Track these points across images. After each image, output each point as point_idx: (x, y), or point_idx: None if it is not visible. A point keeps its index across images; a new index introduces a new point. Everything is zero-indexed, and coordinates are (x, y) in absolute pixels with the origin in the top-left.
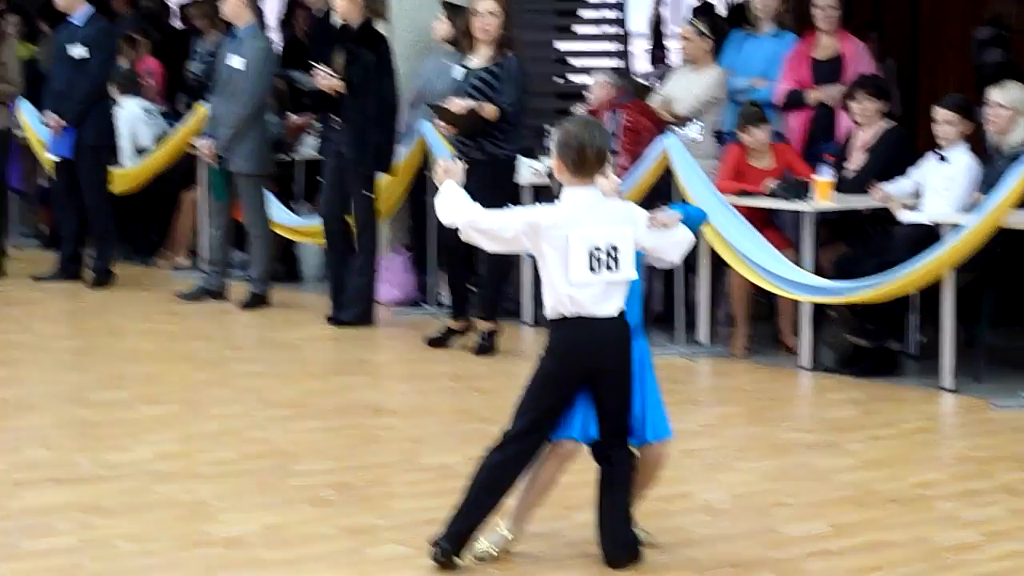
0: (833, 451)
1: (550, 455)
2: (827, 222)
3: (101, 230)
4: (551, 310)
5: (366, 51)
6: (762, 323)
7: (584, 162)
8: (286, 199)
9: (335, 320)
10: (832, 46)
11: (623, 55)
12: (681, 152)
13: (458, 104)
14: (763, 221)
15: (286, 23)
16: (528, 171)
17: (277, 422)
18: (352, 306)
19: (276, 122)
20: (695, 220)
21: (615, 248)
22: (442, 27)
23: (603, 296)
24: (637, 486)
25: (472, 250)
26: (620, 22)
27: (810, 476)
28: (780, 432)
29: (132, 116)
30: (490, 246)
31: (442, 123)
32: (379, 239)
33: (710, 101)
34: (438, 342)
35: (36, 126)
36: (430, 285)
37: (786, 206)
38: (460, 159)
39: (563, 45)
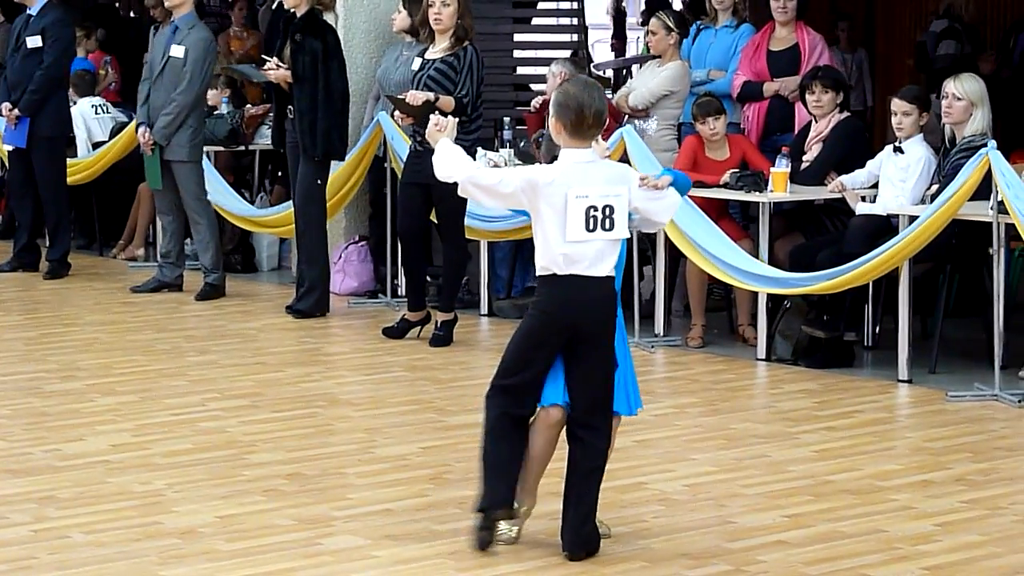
0: (788, 442)
1: (539, 424)
2: (783, 213)
3: (56, 220)
4: (543, 268)
5: (311, 40)
6: (718, 314)
7: (582, 123)
8: (242, 189)
9: (293, 310)
10: (788, 38)
11: (581, 46)
12: (636, 142)
13: (414, 95)
14: (719, 212)
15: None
16: (485, 162)
17: (232, 413)
18: (307, 296)
19: (233, 112)
20: (683, 185)
21: (610, 208)
22: (401, 18)
23: (597, 256)
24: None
25: (429, 240)
26: (578, 13)
27: (765, 467)
28: (735, 423)
29: (82, 113)
30: (489, 202)
31: (399, 113)
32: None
33: (666, 94)
34: (395, 332)
35: None
36: (387, 275)
37: (742, 197)
38: (417, 149)
39: (520, 36)
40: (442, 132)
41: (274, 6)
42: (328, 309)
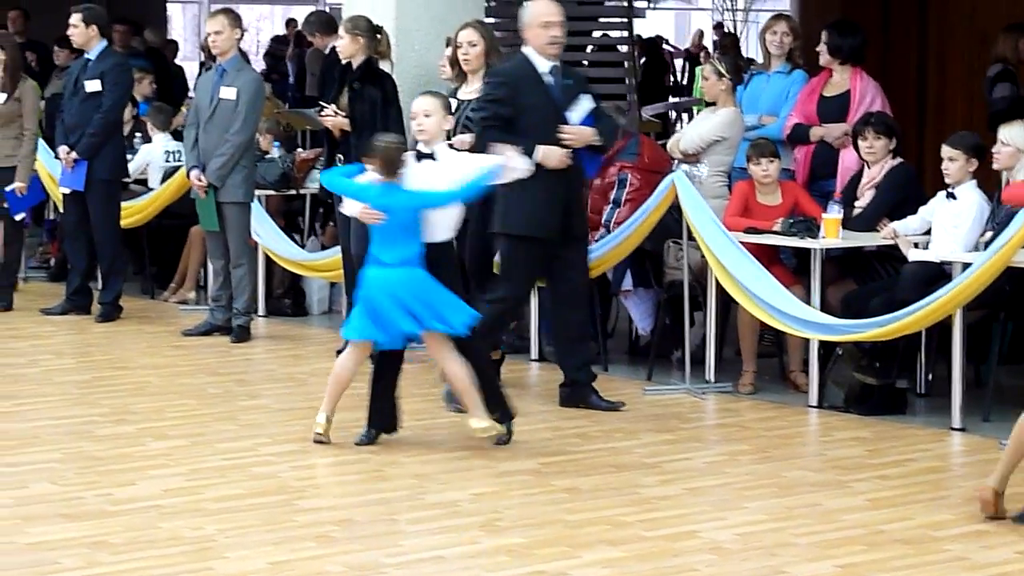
0: (841, 490)
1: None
2: (835, 259)
3: (110, 264)
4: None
5: (370, 88)
6: (769, 360)
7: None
8: (292, 233)
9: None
10: (842, 83)
11: (631, 90)
12: (688, 188)
13: (460, 141)
14: (771, 258)
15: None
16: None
17: (283, 457)
18: None
19: (284, 156)
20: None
21: None
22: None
23: None
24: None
25: (481, 284)
26: (628, 56)
27: (817, 516)
28: (787, 470)
29: (153, 153)
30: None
31: None
32: None
33: (717, 140)
34: None
35: (47, 159)
36: None
37: (794, 243)
38: None
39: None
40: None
41: (327, 52)
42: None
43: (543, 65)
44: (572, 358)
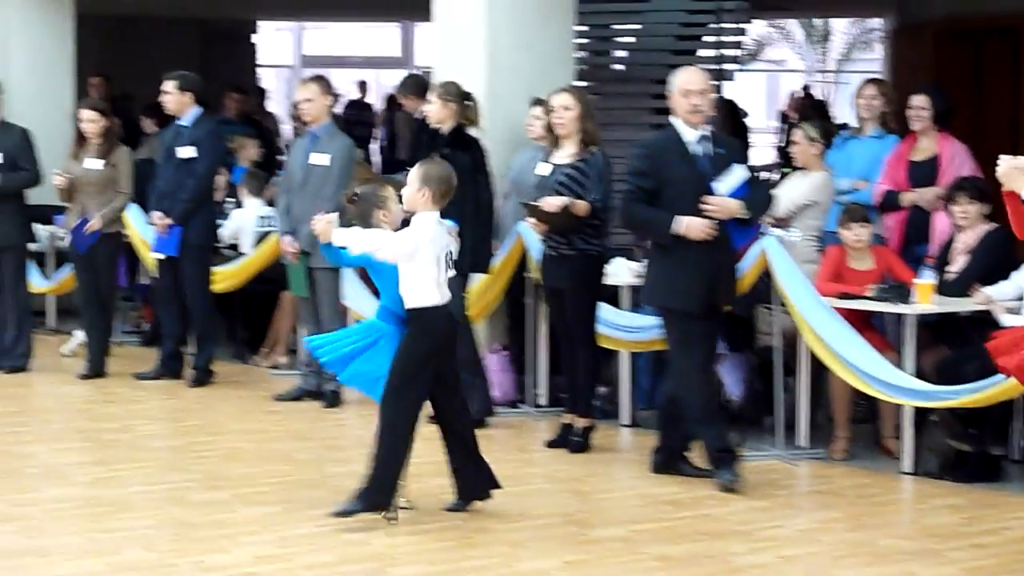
0: (935, 559)
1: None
2: (928, 325)
3: (202, 328)
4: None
5: (460, 154)
6: (863, 426)
7: (445, 193)
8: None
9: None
10: (930, 148)
11: None
12: (779, 252)
13: (551, 203)
14: (863, 323)
15: (387, 121)
16: (626, 271)
17: (374, 524)
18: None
19: None
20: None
21: (451, 253)
22: (539, 125)
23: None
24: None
25: (571, 349)
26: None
27: None
28: (881, 539)
29: (246, 218)
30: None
31: (534, 220)
32: (475, 338)
33: (808, 204)
34: (557, 442)
35: (139, 225)
36: (528, 385)
37: (887, 308)
38: (551, 255)
39: None
40: (331, 224)
41: (418, 117)
42: (492, 413)
43: (690, 134)
44: (676, 427)
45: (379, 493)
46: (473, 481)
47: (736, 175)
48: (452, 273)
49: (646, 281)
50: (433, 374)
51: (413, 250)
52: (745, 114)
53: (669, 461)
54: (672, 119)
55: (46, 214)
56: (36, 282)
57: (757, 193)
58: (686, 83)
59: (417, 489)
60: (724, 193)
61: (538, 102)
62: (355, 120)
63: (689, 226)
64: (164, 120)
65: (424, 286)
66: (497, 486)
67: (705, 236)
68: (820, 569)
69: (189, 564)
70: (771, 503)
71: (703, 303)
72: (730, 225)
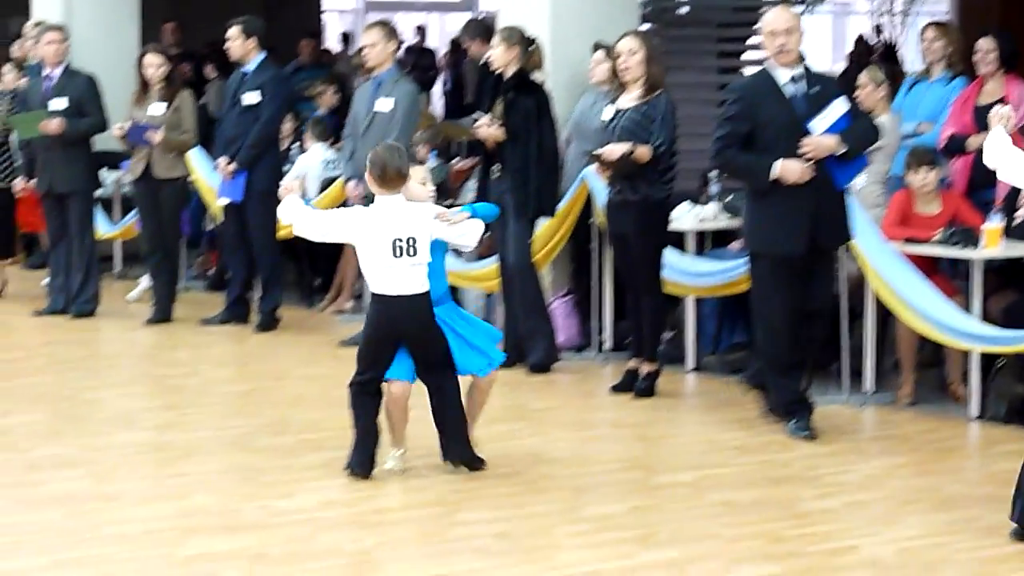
0: (1002, 505)
1: (388, 393)
2: (996, 270)
3: (268, 274)
4: (372, 288)
5: (524, 98)
6: (929, 371)
7: (385, 177)
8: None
9: (531, 366)
10: (997, 91)
11: None
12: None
13: (613, 151)
14: (930, 268)
15: (452, 65)
16: (692, 216)
17: (439, 470)
18: (536, 349)
19: (440, 166)
20: (486, 214)
21: (413, 239)
22: (601, 70)
23: (405, 279)
24: (469, 410)
25: (636, 295)
26: None
27: (978, 531)
28: (947, 484)
29: (311, 163)
30: (319, 237)
31: (597, 166)
32: (540, 284)
33: (874, 148)
34: (622, 387)
35: (206, 171)
36: (593, 330)
37: (955, 253)
38: (614, 201)
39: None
40: (291, 191)
41: (481, 62)
42: (558, 358)
43: (783, 75)
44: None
45: (357, 456)
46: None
47: (834, 111)
48: (417, 261)
49: (745, 226)
50: (388, 357)
51: (321, 231)
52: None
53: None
54: (766, 61)
55: (112, 160)
56: (102, 228)
57: (858, 126)
58: (770, 23)
59: (478, 435)
60: (821, 131)
61: (600, 47)
62: (413, 65)
63: (784, 169)
64: (224, 66)
65: (369, 273)
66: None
67: (802, 178)
68: (886, 515)
69: (255, 509)
70: (837, 449)
71: (805, 246)
72: (830, 163)
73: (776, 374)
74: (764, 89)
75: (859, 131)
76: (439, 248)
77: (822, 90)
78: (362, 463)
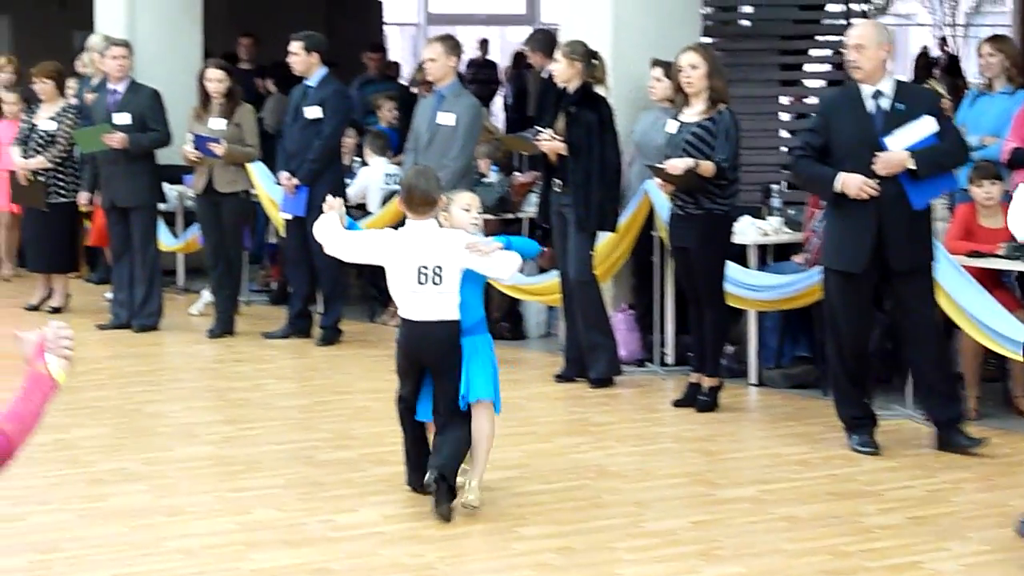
0: None
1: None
2: None
3: (330, 288)
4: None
5: (587, 112)
6: (993, 385)
7: (411, 201)
8: None
9: (565, 378)
10: None
11: None
12: None
13: (676, 165)
14: (994, 282)
15: (514, 78)
16: (754, 230)
17: (502, 484)
18: (597, 363)
19: (502, 180)
20: (524, 249)
21: (439, 267)
22: (662, 87)
23: (429, 305)
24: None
25: (699, 308)
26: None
27: None
28: (1013, 499)
29: (372, 177)
30: (351, 258)
31: (659, 181)
32: (602, 298)
33: None
34: (684, 401)
35: (268, 185)
36: (655, 344)
37: (1018, 267)
38: (679, 214)
39: (788, 98)
40: (332, 207)
41: (544, 76)
42: (620, 372)
43: (867, 89)
44: (931, 400)
45: (407, 472)
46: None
47: (919, 129)
48: (444, 290)
49: (823, 237)
50: (416, 380)
51: (351, 251)
52: None
53: (945, 438)
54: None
55: (175, 174)
56: (165, 241)
57: (941, 146)
58: (846, 37)
59: (540, 449)
60: (898, 148)
61: (658, 64)
62: (473, 79)
63: (846, 183)
64: (281, 81)
65: (395, 296)
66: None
67: (862, 194)
68: (950, 530)
69: (318, 523)
70: (900, 463)
71: (867, 264)
72: (906, 182)
73: (840, 388)
74: (845, 102)
75: (939, 151)
76: (474, 278)
77: (908, 107)
78: (409, 479)
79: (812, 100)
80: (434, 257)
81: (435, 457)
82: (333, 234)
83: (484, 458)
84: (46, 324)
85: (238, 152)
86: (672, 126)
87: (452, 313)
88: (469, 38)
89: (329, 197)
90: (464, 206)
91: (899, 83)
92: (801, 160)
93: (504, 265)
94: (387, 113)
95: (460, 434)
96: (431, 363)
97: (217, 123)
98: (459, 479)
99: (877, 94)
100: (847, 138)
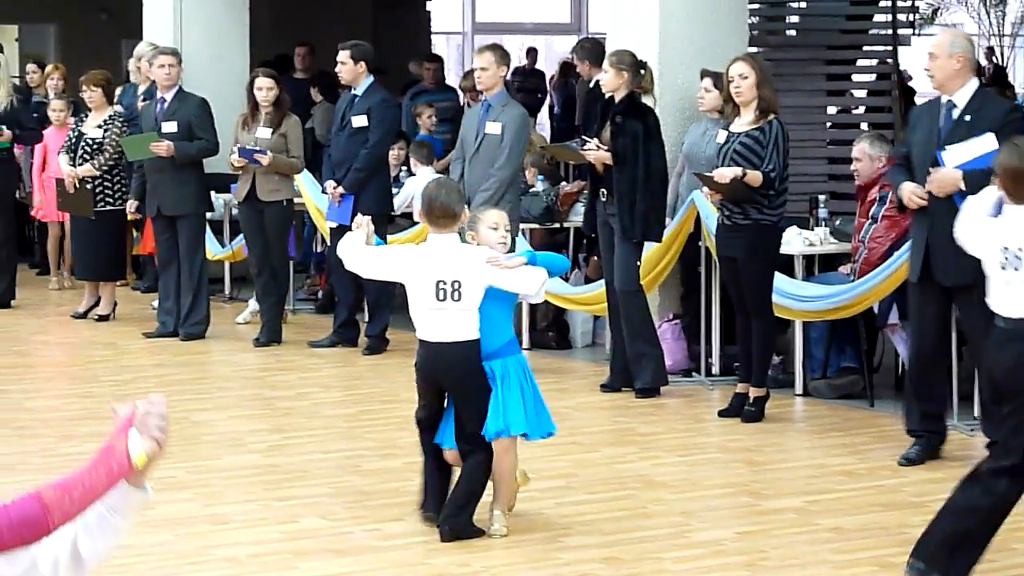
0: None
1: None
2: None
3: (376, 297)
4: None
5: (633, 122)
6: None
7: (432, 213)
8: None
9: (610, 388)
10: None
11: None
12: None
13: (723, 174)
14: None
15: (561, 87)
16: (800, 240)
17: (548, 494)
18: (643, 372)
19: (548, 190)
20: (552, 265)
21: (458, 283)
22: (711, 98)
23: (448, 324)
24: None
25: (745, 319)
26: (896, 86)
27: None
28: None
29: (418, 187)
30: (371, 275)
31: (707, 190)
32: (648, 307)
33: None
34: (731, 411)
35: (314, 194)
36: (701, 354)
37: None
38: (726, 224)
39: (835, 108)
40: (360, 227)
41: (591, 86)
42: (666, 382)
43: (944, 98)
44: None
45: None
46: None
47: (976, 146)
48: (464, 307)
49: None
50: (433, 401)
51: (370, 268)
52: (910, 77)
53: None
54: None
55: (222, 182)
56: (212, 249)
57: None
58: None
59: (586, 459)
60: (955, 163)
61: (707, 74)
62: (520, 87)
63: (902, 191)
64: (327, 89)
65: (413, 315)
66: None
67: (911, 204)
68: (996, 543)
69: (364, 532)
70: (947, 474)
71: (919, 274)
72: (957, 198)
73: (909, 395)
74: (925, 112)
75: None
76: (502, 297)
77: (974, 120)
78: (423, 504)
79: (859, 110)
80: (454, 272)
81: (451, 497)
82: (354, 250)
83: (507, 493)
84: (145, 398)
85: (283, 162)
86: (722, 136)
87: (471, 333)
88: (515, 47)
89: (359, 216)
90: (492, 224)
91: (976, 94)
92: (892, 169)
93: (529, 280)
94: (427, 120)
95: (480, 468)
96: (450, 387)
97: (263, 132)
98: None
99: (950, 104)
100: (918, 148)
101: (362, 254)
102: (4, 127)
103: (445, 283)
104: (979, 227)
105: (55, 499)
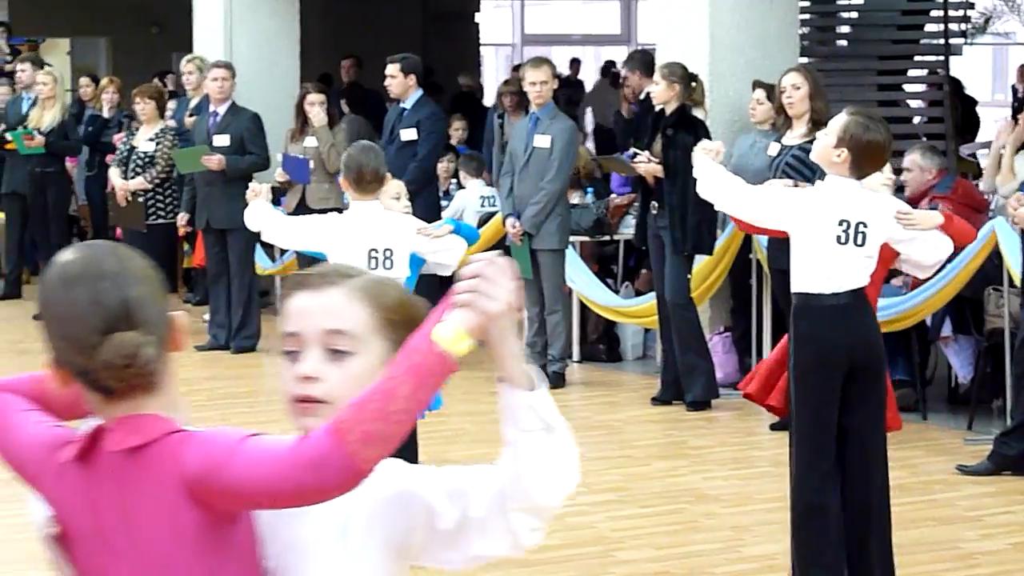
0: None
1: None
2: None
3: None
4: None
5: (684, 134)
6: None
7: (362, 180)
8: (606, 278)
9: (661, 400)
10: None
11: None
12: (1009, 234)
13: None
14: None
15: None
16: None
17: (599, 507)
18: (694, 386)
19: (598, 202)
20: (467, 234)
21: (390, 251)
22: (763, 110)
23: None
24: None
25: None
26: (948, 95)
27: None
28: None
29: (468, 199)
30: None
31: None
32: (699, 320)
33: None
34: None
35: None
36: (753, 366)
37: None
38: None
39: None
40: (258, 195)
41: (641, 97)
42: (717, 395)
43: None
44: None
45: None
46: None
47: None
48: (393, 275)
49: None
50: None
51: (289, 238)
52: (963, 88)
53: None
54: None
55: (273, 197)
56: (262, 264)
57: None
58: None
59: (637, 472)
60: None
61: (759, 86)
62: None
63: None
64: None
65: None
66: None
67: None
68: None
69: None
70: (1001, 488)
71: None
72: None
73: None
74: None
75: None
76: (415, 264)
77: None
78: None
79: (913, 120)
80: (384, 240)
81: None
82: (267, 219)
83: None
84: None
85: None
86: (774, 148)
87: None
88: (563, 58)
89: (252, 183)
90: (394, 195)
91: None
92: None
93: (452, 250)
94: (457, 132)
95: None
96: None
97: (311, 141)
98: None
99: None
100: None
101: (279, 223)
102: (37, 132)
103: (377, 251)
104: (794, 199)
105: (352, 425)
